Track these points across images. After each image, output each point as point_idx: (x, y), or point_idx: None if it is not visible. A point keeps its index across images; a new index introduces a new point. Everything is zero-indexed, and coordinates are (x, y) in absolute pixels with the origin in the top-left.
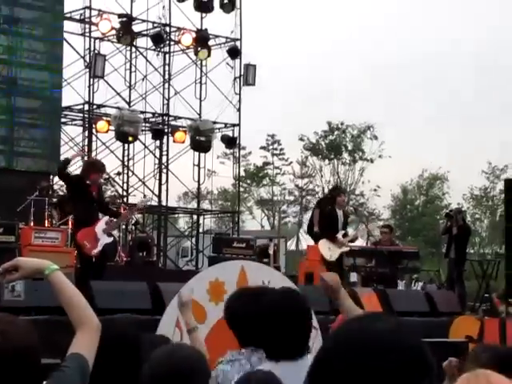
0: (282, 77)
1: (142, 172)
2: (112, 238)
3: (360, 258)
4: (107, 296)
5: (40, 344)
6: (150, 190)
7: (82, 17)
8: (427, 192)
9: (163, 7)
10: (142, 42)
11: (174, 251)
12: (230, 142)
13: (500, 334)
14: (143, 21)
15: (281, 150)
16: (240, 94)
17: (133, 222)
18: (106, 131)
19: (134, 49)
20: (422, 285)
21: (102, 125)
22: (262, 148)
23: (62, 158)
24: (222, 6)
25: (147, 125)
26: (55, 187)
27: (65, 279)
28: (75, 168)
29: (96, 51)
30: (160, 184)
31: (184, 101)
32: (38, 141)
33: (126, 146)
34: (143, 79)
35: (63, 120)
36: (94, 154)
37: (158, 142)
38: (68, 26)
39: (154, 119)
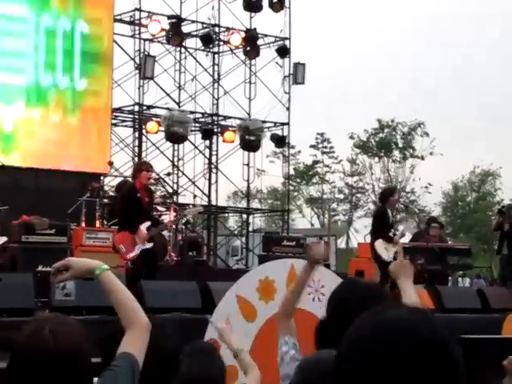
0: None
1: (192, 172)
2: (152, 244)
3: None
4: (157, 295)
5: (91, 344)
6: (199, 189)
7: (132, 19)
8: (479, 188)
9: (212, 7)
10: (191, 42)
11: (224, 250)
12: (280, 141)
13: None
14: (192, 21)
15: (330, 148)
16: (289, 93)
17: (183, 221)
18: (156, 132)
19: (183, 50)
20: (470, 281)
21: (151, 125)
22: (312, 146)
23: (113, 158)
24: (271, 5)
25: (197, 125)
26: (106, 188)
27: (115, 279)
28: (125, 169)
29: (146, 53)
30: (210, 184)
31: (233, 100)
32: (89, 142)
33: (176, 146)
34: (192, 80)
35: (114, 121)
36: (144, 154)
37: (207, 142)
38: (118, 28)
39: (203, 119)
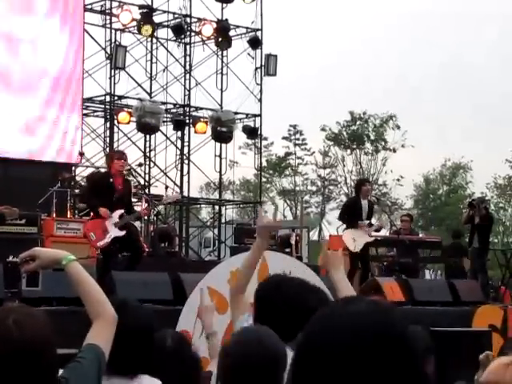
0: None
1: (164, 163)
2: (124, 232)
3: (382, 247)
4: (129, 286)
5: (56, 335)
6: (171, 180)
7: (103, 8)
8: (450, 181)
9: None
10: (162, 33)
11: (197, 242)
12: (252, 133)
13: None
14: (164, 12)
15: (303, 140)
16: (261, 85)
17: (154, 212)
18: (128, 122)
19: (154, 40)
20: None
21: (123, 116)
22: (284, 138)
23: (84, 149)
24: None
25: (168, 116)
26: (77, 178)
27: (82, 270)
28: (97, 159)
29: (117, 42)
30: (182, 175)
31: (205, 91)
32: (60, 132)
33: (148, 137)
34: (164, 70)
35: (85, 111)
36: (115, 145)
37: (179, 133)
38: (89, 17)
39: (175, 110)
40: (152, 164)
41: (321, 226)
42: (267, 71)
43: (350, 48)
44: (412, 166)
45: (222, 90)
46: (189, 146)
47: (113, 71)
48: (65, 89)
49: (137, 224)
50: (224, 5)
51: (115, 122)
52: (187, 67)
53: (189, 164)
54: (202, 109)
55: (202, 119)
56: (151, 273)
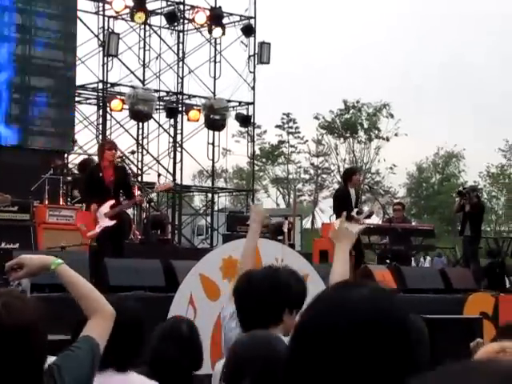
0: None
1: (157, 151)
2: (114, 222)
3: (374, 235)
4: (121, 273)
5: (49, 321)
6: (164, 168)
7: None
8: (443, 170)
9: None
10: (155, 20)
11: (190, 229)
12: (245, 121)
13: None
14: None
15: (296, 128)
16: (254, 73)
17: (147, 199)
18: (120, 110)
19: (147, 27)
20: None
21: (116, 103)
22: (278, 127)
23: (77, 136)
24: None
25: (161, 103)
26: (69, 166)
27: (72, 272)
28: (89, 146)
29: (110, 30)
30: (174, 162)
31: (198, 79)
32: (53, 119)
33: (141, 124)
34: (157, 58)
35: (77, 99)
36: (108, 132)
37: (172, 121)
38: (82, 4)
39: (168, 98)
40: (145, 152)
41: (314, 215)
42: (260, 59)
43: (344, 36)
44: (405, 154)
45: (215, 77)
46: (181, 133)
47: (105, 58)
48: None
49: (129, 211)
50: None
51: (108, 109)
52: (180, 55)
53: (182, 152)
54: (194, 96)
55: (194, 107)
56: (143, 260)
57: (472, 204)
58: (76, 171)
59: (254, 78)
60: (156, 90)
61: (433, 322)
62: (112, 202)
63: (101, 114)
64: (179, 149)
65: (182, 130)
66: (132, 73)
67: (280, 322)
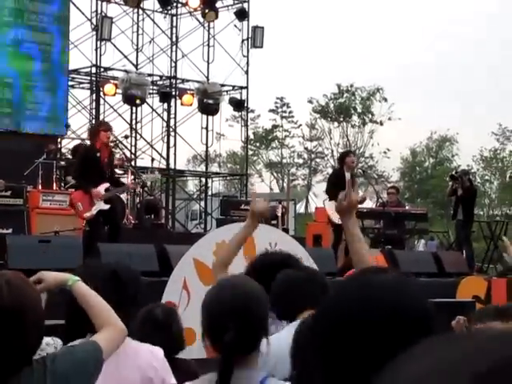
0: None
1: (150, 135)
2: (108, 206)
3: (368, 219)
4: (114, 258)
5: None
6: (158, 152)
7: None
8: (436, 154)
9: None
10: (149, 4)
11: (183, 214)
12: (238, 105)
13: (507, 293)
14: None
15: (290, 112)
16: (248, 57)
17: (140, 184)
18: (114, 94)
19: (141, 11)
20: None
21: (109, 88)
22: (271, 111)
23: (70, 121)
24: None
25: (155, 88)
26: (63, 150)
27: (87, 289)
28: (83, 131)
29: (103, 14)
30: (168, 147)
31: (191, 63)
32: (46, 104)
33: (134, 109)
34: (150, 42)
35: (70, 83)
36: (101, 117)
37: (165, 105)
38: None
39: (161, 82)
40: (138, 136)
41: (307, 199)
42: (254, 43)
43: (338, 19)
44: (399, 138)
45: (208, 62)
46: (175, 118)
47: (99, 43)
48: None
49: (123, 196)
50: None
51: (101, 93)
52: (174, 39)
53: (175, 136)
54: (188, 81)
55: (188, 91)
56: (137, 244)
57: (464, 188)
58: (69, 156)
59: (247, 62)
60: (149, 75)
61: None
62: (107, 185)
63: (94, 98)
64: (173, 133)
65: (175, 114)
66: (125, 57)
67: None
